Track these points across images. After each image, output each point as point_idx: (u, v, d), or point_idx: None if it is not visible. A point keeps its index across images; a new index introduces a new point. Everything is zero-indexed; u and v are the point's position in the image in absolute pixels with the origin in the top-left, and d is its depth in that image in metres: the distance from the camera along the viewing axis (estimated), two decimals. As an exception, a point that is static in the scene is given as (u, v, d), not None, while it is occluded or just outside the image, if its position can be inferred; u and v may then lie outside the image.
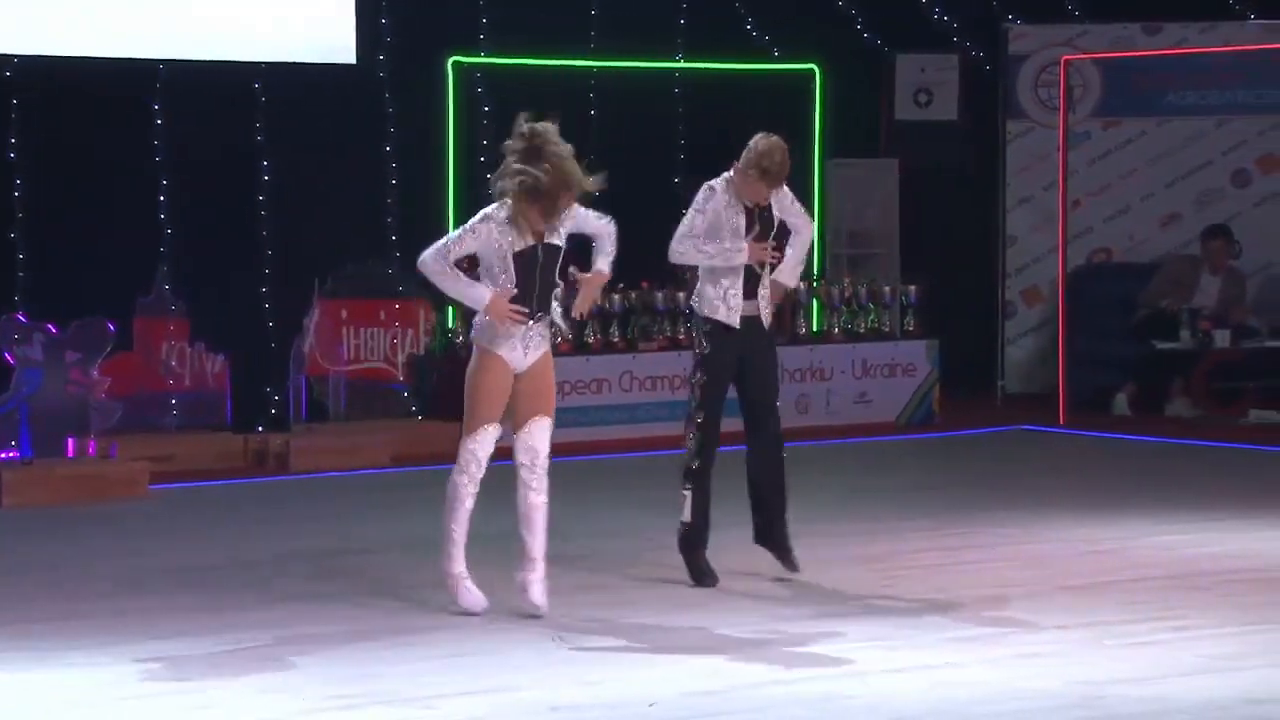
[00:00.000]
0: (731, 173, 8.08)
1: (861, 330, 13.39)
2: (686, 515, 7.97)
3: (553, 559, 8.41)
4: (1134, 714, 5.97)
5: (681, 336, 12.81)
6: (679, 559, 8.15)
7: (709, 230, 8.05)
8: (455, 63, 13.02)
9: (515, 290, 7.37)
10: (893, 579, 8.00)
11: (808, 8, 14.43)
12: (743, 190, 8.03)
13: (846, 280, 13.53)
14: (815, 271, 13.84)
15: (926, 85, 14.85)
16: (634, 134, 13.80)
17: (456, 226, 12.72)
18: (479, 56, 13.18)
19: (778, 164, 7.99)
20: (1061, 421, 12.98)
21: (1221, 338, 13.19)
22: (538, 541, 7.38)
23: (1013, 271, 14.68)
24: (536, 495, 7.41)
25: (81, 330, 10.95)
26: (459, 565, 7.41)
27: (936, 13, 14.86)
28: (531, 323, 7.43)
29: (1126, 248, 14.65)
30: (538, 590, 7.34)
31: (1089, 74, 14.57)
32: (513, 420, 7.49)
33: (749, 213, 8.06)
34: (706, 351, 7.99)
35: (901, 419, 13.20)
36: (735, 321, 7.97)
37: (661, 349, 12.71)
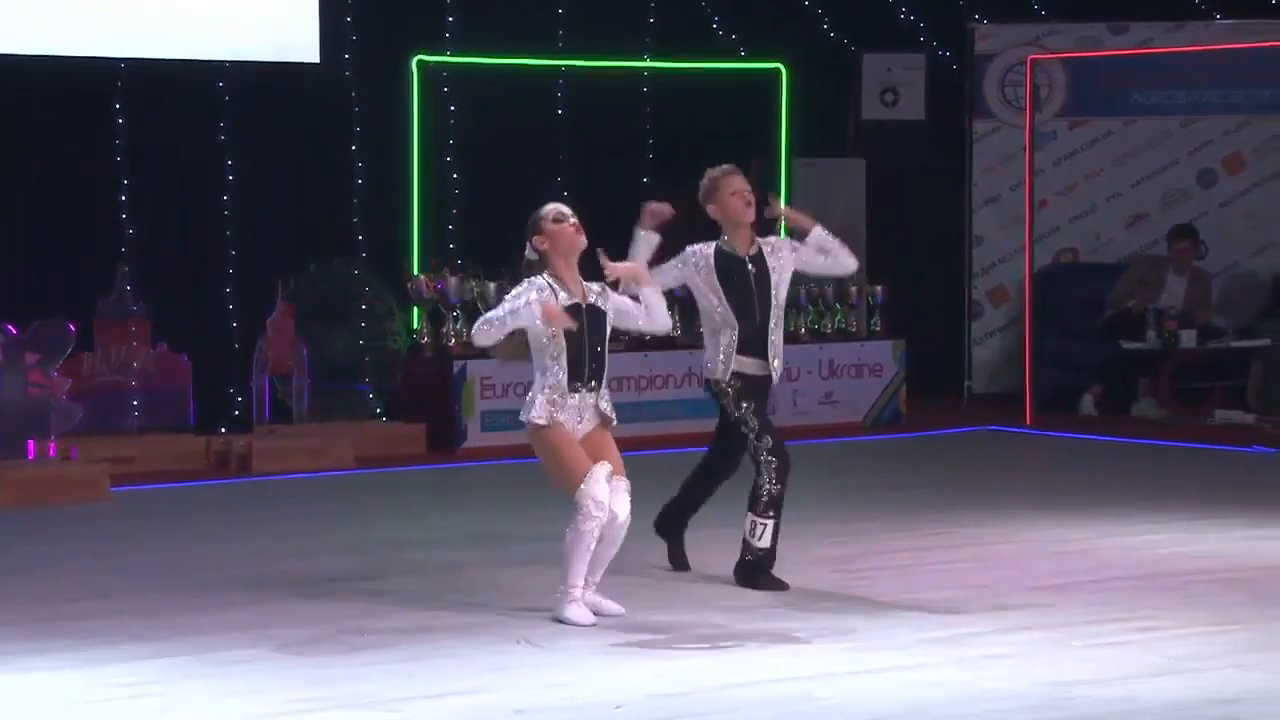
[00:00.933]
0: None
1: (828, 331, 13.40)
2: (766, 542, 7.84)
3: (512, 564, 8.43)
4: (1101, 714, 5.98)
5: (646, 338, 12.81)
6: (647, 559, 8.14)
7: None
8: (420, 62, 12.99)
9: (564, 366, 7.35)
10: (861, 580, 8.00)
11: (774, 7, 14.45)
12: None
13: (812, 281, 13.53)
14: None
15: (893, 85, 14.88)
16: (602, 133, 13.80)
17: (422, 226, 12.95)
18: (444, 55, 13.16)
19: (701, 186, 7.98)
20: (1028, 422, 13.01)
21: (1187, 338, 13.23)
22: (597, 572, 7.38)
23: (979, 271, 14.72)
24: (608, 550, 7.35)
25: (42, 331, 10.90)
26: (577, 593, 7.29)
27: (903, 12, 14.89)
28: (586, 394, 7.38)
29: (1093, 248, 14.69)
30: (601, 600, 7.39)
31: (1055, 74, 14.61)
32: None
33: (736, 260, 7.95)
34: (737, 388, 7.87)
35: (868, 419, 13.22)
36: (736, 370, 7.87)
37: (627, 350, 12.70)
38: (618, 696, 6.20)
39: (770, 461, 7.84)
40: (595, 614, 7.30)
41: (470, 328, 12.17)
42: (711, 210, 8.01)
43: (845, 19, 14.75)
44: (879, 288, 13.53)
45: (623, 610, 7.39)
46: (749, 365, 7.90)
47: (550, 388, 7.30)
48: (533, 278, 7.42)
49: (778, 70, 14.15)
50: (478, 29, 13.20)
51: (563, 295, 7.39)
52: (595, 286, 7.54)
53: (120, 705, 6.22)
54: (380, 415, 12.33)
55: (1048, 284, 13.99)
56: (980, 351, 14.71)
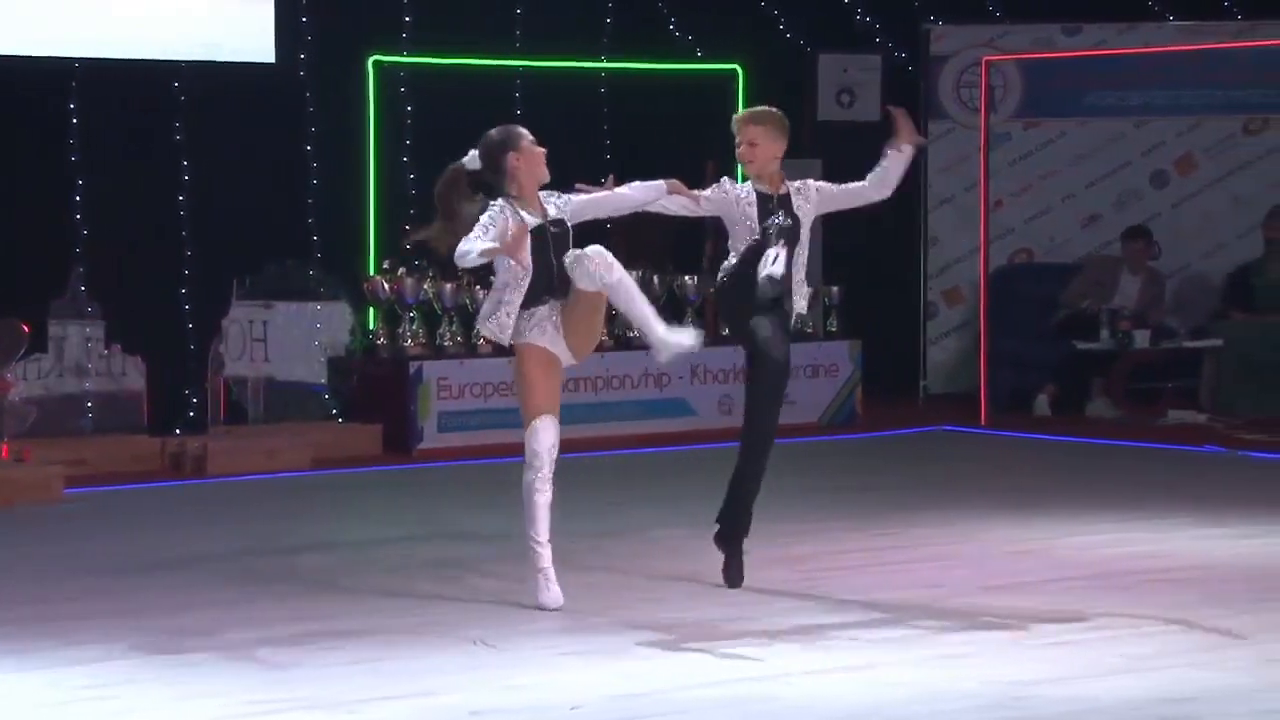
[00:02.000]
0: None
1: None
2: None
3: (468, 565, 8.43)
4: (1054, 714, 6.02)
5: (604, 338, 12.83)
6: (605, 560, 8.16)
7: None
8: (376, 62, 12.98)
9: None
10: (817, 580, 8.03)
11: (730, 8, 14.48)
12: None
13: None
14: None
15: (849, 85, 14.92)
16: (560, 134, 13.76)
17: (378, 227, 12.92)
18: (401, 56, 13.15)
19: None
20: (983, 422, 13.07)
21: (1141, 338, 13.30)
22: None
23: (934, 272, 14.77)
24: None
25: (-6, 331, 10.86)
26: (545, 560, 7.44)
27: (858, 13, 14.94)
28: (551, 303, 7.46)
29: (1047, 248, 14.76)
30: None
31: (1010, 75, 14.67)
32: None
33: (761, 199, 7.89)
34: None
35: (824, 419, 13.25)
36: None
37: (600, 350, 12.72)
38: (574, 697, 6.21)
39: None
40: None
41: (425, 329, 12.29)
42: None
43: (801, 20, 14.79)
44: (835, 288, 13.58)
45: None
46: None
47: (517, 303, 7.40)
48: (496, 202, 7.48)
49: (734, 71, 14.19)
50: (434, 29, 13.19)
51: (527, 217, 7.45)
52: (553, 197, 7.60)
53: (78, 708, 6.21)
54: (336, 416, 12.32)
55: (1003, 285, 14.05)
56: (936, 352, 14.77)
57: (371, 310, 12.53)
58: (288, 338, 12.44)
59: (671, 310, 13.18)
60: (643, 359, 12.69)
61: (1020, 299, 14.04)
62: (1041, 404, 13.43)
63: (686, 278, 13.19)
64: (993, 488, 10.65)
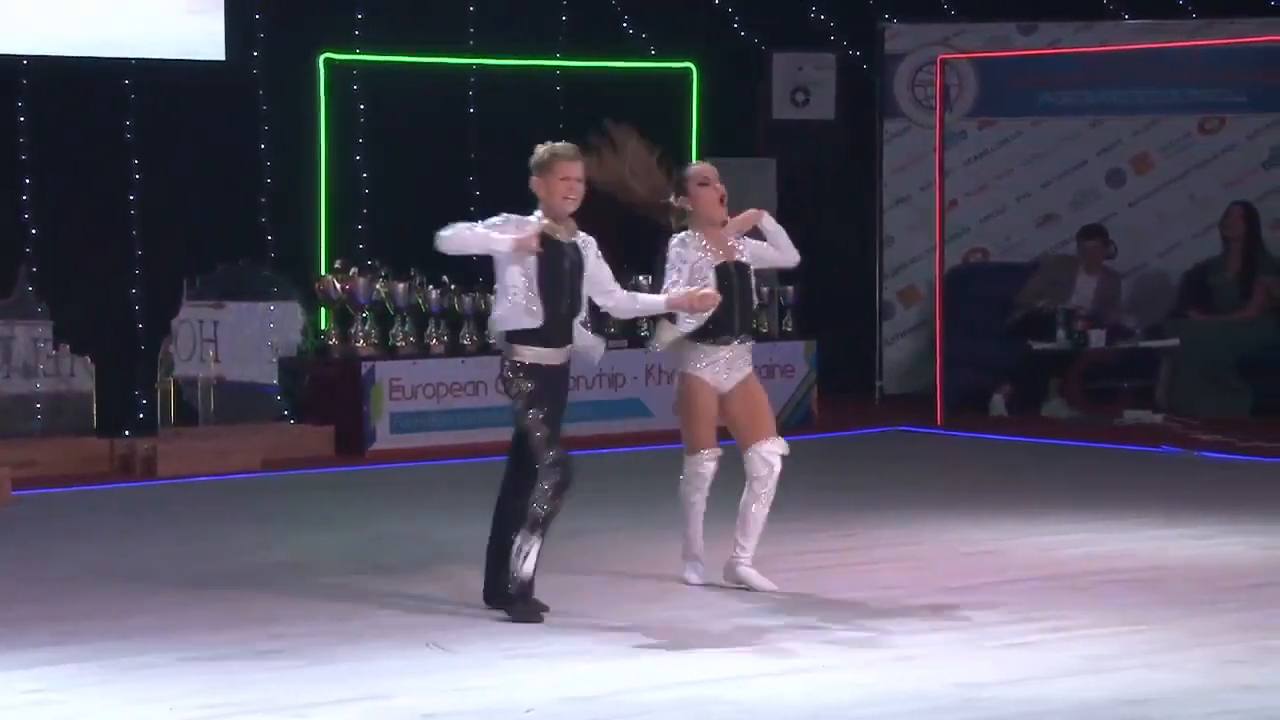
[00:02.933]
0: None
1: (739, 331, 13.42)
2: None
3: (421, 567, 8.40)
4: (1011, 715, 6.03)
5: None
6: (560, 562, 8.15)
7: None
8: (327, 60, 12.94)
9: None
10: (773, 581, 8.00)
11: (684, 6, 14.48)
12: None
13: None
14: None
15: (803, 84, 14.93)
16: (514, 132, 13.74)
17: (328, 225, 12.88)
18: (353, 54, 13.11)
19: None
20: (939, 422, 13.09)
21: (1097, 338, 13.34)
22: (751, 539, 7.85)
23: (890, 272, 14.80)
24: (761, 508, 7.86)
25: (-59, 333, 10.80)
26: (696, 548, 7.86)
27: (813, 11, 14.95)
28: (735, 343, 7.78)
29: (1003, 248, 14.80)
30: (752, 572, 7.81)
31: (965, 73, 14.71)
32: (740, 439, 7.85)
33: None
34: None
35: (780, 420, 13.24)
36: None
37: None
38: (528, 700, 6.20)
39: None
40: (745, 587, 7.77)
41: (377, 329, 12.24)
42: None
43: (755, 18, 14.79)
44: (790, 288, 13.58)
45: (774, 587, 7.76)
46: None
47: (699, 337, 7.70)
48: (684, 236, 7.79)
49: (688, 69, 14.19)
50: (387, 27, 13.15)
51: (709, 257, 7.73)
52: (738, 242, 7.87)
53: (23, 712, 6.16)
54: (288, 417, 12.27)
55: (958, 284, 14.07)
56: (891, 352, 14.79)
57: (323, 310, 12.49)
58: (239, 338, 12.39)
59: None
60: (641, 357, 12.67)
61: (976, 299, 14.07)
62: (997, 404, 13.47)
63: (641, 278, 13.14)
64: (949, 488, 10.67)
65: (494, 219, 7.58)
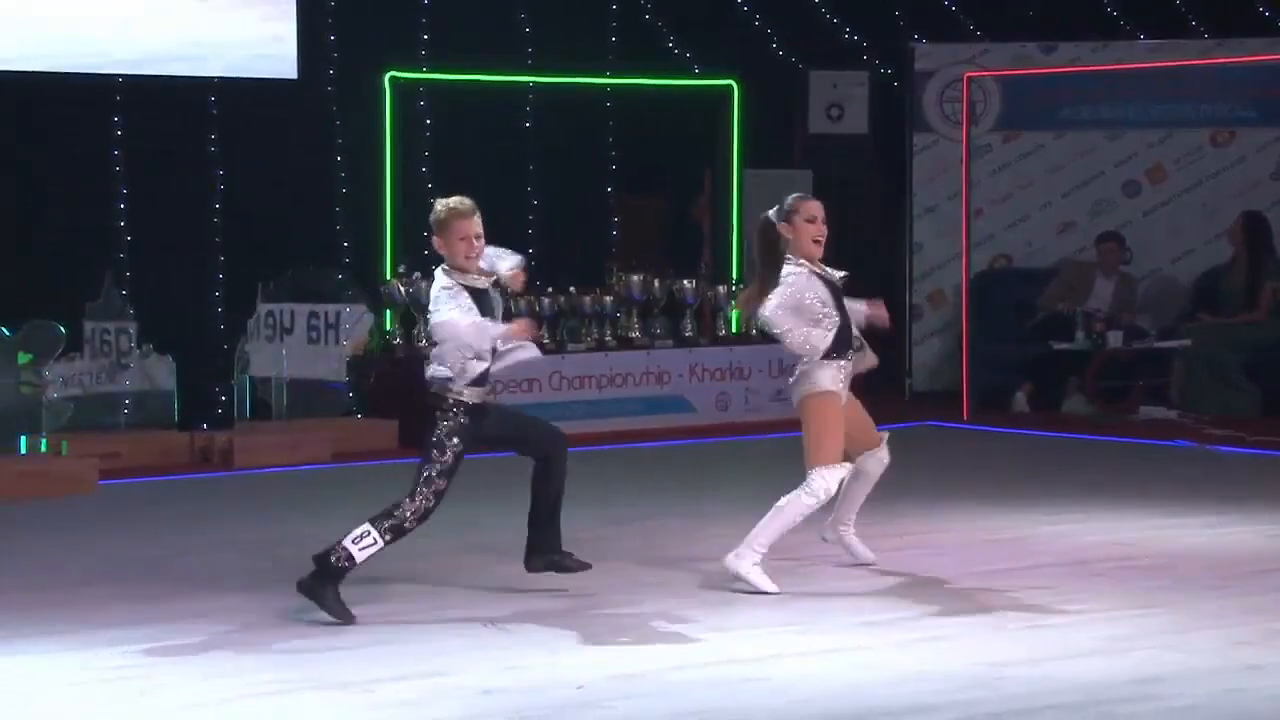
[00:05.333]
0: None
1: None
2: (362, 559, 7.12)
3: (478, 551, 8.41)
4: (1030, 693, 5.99)
5: (607, 338, 12.84)
6: (607, 549, 8.14)
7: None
8: (393, 78, 12.96)
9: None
10: (806, 567, 7.99)
11: (726, 27, 14.46)
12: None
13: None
14: (735, 276, 13.87)
15: (838, 100, 14.89)
16: (568, 145, 13.80)
17: (394, 234, 12.92)
18: (418, 72, 13.13)
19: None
20: (965, 418, 13.04)
21: (1114, 338, 13.26)
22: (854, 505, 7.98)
23: (919, 276, 14.73)
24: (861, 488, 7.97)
25: (33, 332, 10.83)
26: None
27: (847, 32, 14.91)
28: (852, 355, 7.82)
29: (1025, 254, 14.73)
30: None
31: (990, 90, 14.64)
32: (855, 442, 7.84)
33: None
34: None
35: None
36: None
37: (589, 350, 12.73)
38: (579, 677, 6.19)
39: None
40: (850, 554, 7.90)
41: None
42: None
43: (793, 38, 14.77)
44: (825, 291, 13.53)
45: (874, 558, 7.90)
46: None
47: (830, 355, 7.65)
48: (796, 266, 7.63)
49: (730, 87, 14.16)
50: (451, 47, 13.18)
51: (818, 282, 7.71)
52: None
53: (106, 687, 6.19)
54: (355, 412, 12.29)
55: (983, 288, 14.01)
56: (920, 351, 14.73)
57: (388, 312, 12.51)
58: (310, 338, 12.42)
59: (671, 313, 13.18)
60: (644, 358, 12.71)
61: (1000, 302, 14.01)
62: (1020, 401, 13.40)
63: (685, 281, 13.17)
64: (974, 480, 10.62)
65: (449, 300, 7.12)
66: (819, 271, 7.76)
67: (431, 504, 7.20)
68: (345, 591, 7.13)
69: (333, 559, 7.06)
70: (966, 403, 13.18)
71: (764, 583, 7.47)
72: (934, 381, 14.56)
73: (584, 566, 7.40)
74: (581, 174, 13.83)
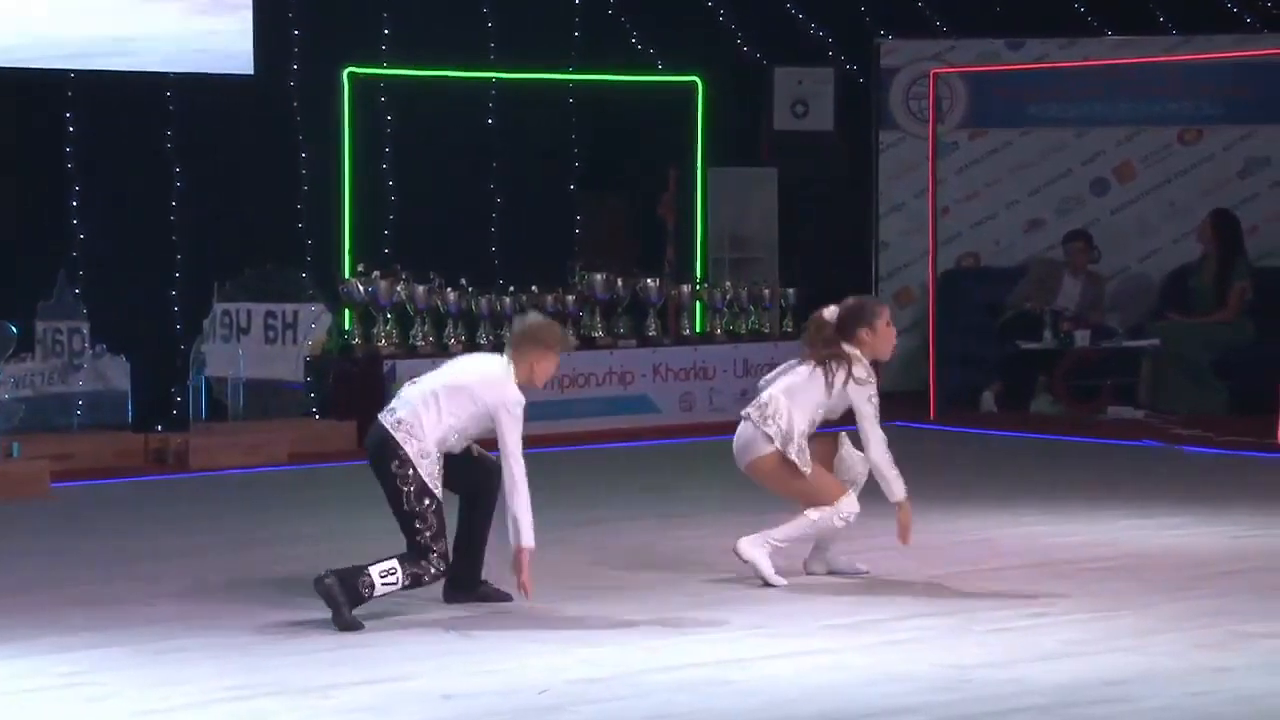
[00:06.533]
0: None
1: (743, 331, 13.43)
2: (380, 592, 7.06)
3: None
4: (996, 695, 6.01)
5: (570, 338, 12.83)
6: (570, 551, 8.14)
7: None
8: (351, 74, 12.94)
9: None
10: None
11: (690, 23, 14.48)
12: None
13: (728, 283, 13.57)
14: (698, 275, 13.89)
15: (803, 97, 14.92)
16: (530, 142, 13.80)
17: (353, 231, 12.89)
18: (378, 68, 13.11)
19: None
20: (932, 417, 13.07)
21: (1082, 338, 13.31)
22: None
23: (885, 275, 14.76)
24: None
25: (-17, 332, 10.79)
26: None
27: (812, 28, 14.94)
28: None
29: (992, 252, 14.77)
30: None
31: (956, 87, 14.68)
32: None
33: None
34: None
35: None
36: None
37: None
38: (542, 681, 6.19)
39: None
40: (846, 573, 7.83)
41: (398, 330, 12.24)
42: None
43: (757, 35, 14.79)
44: (791, 290, 13.58)
45: (867, 568, 7.87)
46: None
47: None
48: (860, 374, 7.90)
49: (694, 83, 14.17)
50: (411, 42, 13.16)
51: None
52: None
53: (57, 693, 6.16)
54: (313, 413, 12.26)
55: (950, 287, 14.05)
56: (887, 351, 14.73)
57: (347, 312, 12.49)
58: (267, 338, 12.38)
59: (635, 312, 13.18)
60: (607, 358, 12.71)
61: (967, 300, 14.05)
62: (988, 400, 13.44)
63: (649, 280, 13.17)
64: (940, 481, 10.63)
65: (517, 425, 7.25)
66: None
67: (440, 568, 7.15)
68: (295, 596, 7.10)
69: (359, 582, 7.00)
70: (933, 402, 13.21)
71: (773, 576, 7.63)
72: (900, 381, 14.56)
73: (504, 597, 7.31)
74: (544, 171, 13.83)
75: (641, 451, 11.97)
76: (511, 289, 12.60)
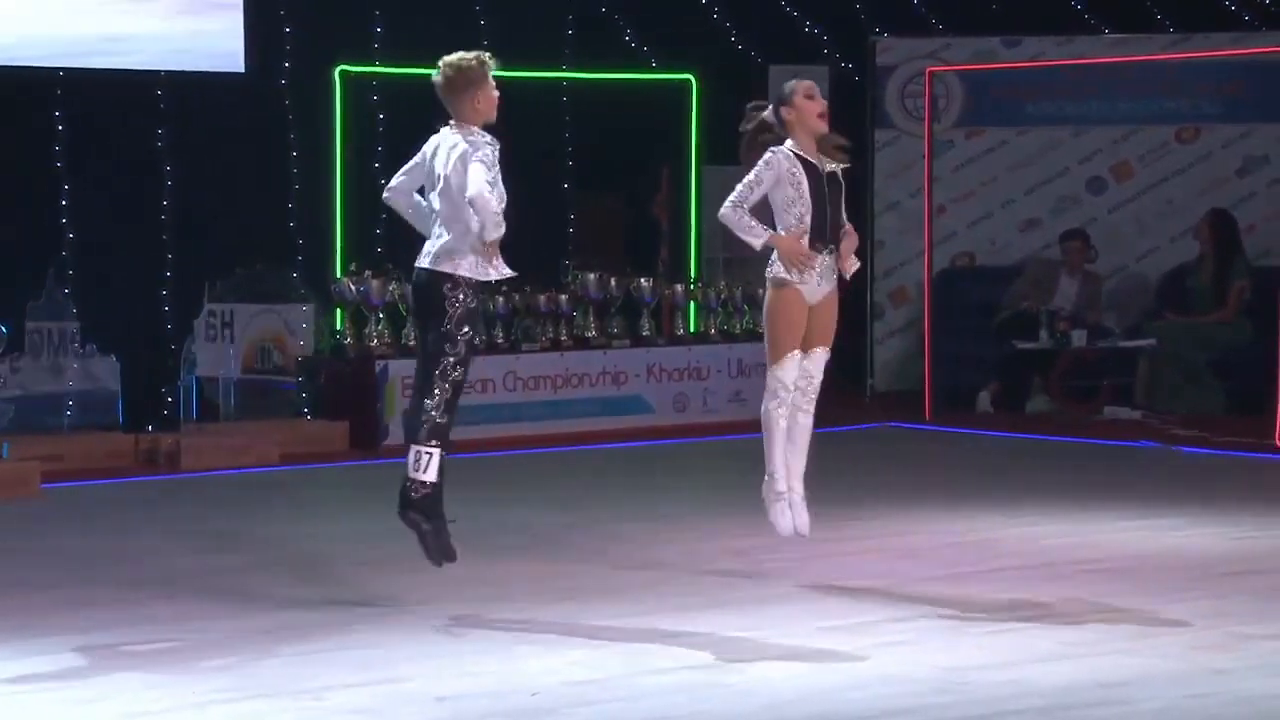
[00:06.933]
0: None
1: (737, 331, 13.42)
2: (435, 474, 7.16)
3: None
4: (993, 698, 6.01)
5: (563, 338, 12.84)
6: (564, 552, 8.13)
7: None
8: (342, 72, 12.93)
9: (807, 225, 7.45)
10: (765, 570, 8.00)
11: (684, 21, 14.48)
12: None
13: (723, 283, 13.57)
14: (692, 274, 13.88)
15: (798, 95, 14.89)
16: (524, 142, 13.76)
17: (344, 231, 12.89)
18: (370, 66, 13.10)
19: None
20: (927, 418, 13.07)
21: (1078, 338, 13.32)
22: (800, 462, 7.71)
23: (881, 274, 14.77)
24: (806, 416, 7.74)
25: (-27, 332, 10.79)
26: (780, 484, 7.65)
27: (807, 26, 14.94)
28: (825, 255, 7.58)
29: (988, 251, 14.78)
30: (801, 510, 7.68)
31: (952, 85, 14.69)
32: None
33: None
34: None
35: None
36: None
37: (544, 349, 12.72)
38: (534, 683, 6.19)
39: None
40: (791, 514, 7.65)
41: (390, 329, 12.24)
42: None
43: (752, 33, 14.79)
44: (785, 290, 13.56)
45: (807, 532, 7.69)
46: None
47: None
48: (775, 148, 7.54)
49: (688, 81, 14.17)
50: (404, 40, 13.15)
51: (799, 171, 7.56)
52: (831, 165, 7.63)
53: (48, 696, 6.15)
54: (305, 414, 12.25)
55: (946, 286, 14.07)
56: (882, 351, 14.77)
57: (339, 311, 12.48)
58: (257, 337, 12.38)
59: (629, 312, 13.18)
60: (601, 358, 12.71)
61: (963, 300, 14.06)
62: (983, 401, 13.45)
63: (643, 280, 13.17)
64: (936, 481, 10.65)
65: (488, 166, 7.26)
66: (808, 159, 7.63)
67: (451, 395, 7.10)
68: (288, 597, 7.09)
69: (412, 494, 7.03)
70: (929, 403, 13.21)
71: (776, 518, 7.67)
72: (896, 381, 14.60)
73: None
74: (537, 170, 13.81)
75: (635, 452, 11.97)
76: (504, 288, 12.59)
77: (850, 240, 7.76)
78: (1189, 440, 11.94)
